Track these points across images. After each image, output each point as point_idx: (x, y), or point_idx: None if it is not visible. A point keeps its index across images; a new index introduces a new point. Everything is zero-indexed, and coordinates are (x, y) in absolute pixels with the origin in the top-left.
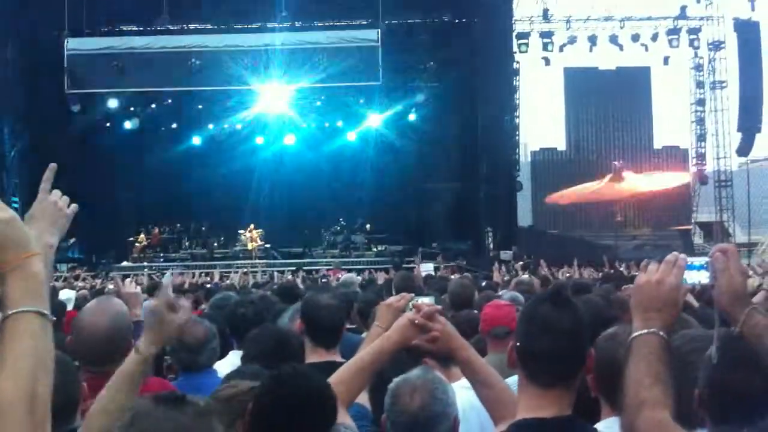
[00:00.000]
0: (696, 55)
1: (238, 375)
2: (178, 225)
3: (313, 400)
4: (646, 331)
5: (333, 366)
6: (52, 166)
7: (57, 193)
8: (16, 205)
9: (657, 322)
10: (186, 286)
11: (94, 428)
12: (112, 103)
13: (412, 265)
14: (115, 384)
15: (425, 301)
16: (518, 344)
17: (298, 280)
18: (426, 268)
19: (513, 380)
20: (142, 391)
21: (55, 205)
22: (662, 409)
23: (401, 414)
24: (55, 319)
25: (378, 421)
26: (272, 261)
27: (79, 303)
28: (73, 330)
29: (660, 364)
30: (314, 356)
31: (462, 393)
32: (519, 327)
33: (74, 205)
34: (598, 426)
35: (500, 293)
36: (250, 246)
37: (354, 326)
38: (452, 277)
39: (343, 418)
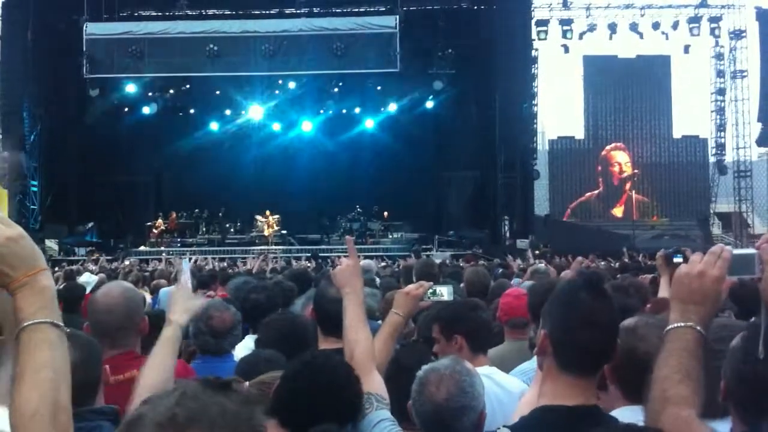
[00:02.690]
0: (717, 43)
1: (254, 358)
2: (196, 210)
3: (338, 386)
4: (682, 324)
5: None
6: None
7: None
8: (35, 188)
9: (695, 315)
10: (204, 271)
11: (146, 385)
12: (131, 88)
13: (428, 253)
14: (161, 350)
15: (443, 289)
16: (554, 334)
17: (310, 267)
18: (441, 256)
19: (524, 367)
20: None
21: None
22: (688, 406)
23: (426, 403)
24: (69, 330)
25: (394, 408)
26: (288, 247)
27: (98, 287)
28: (89, 313)
29: (691, 360)
30: (326, 344)
31: None
32: (554, 315)
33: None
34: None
35: (513, 282)
36: (266, 232)
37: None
38: (466, 265)
39: (378, 388)
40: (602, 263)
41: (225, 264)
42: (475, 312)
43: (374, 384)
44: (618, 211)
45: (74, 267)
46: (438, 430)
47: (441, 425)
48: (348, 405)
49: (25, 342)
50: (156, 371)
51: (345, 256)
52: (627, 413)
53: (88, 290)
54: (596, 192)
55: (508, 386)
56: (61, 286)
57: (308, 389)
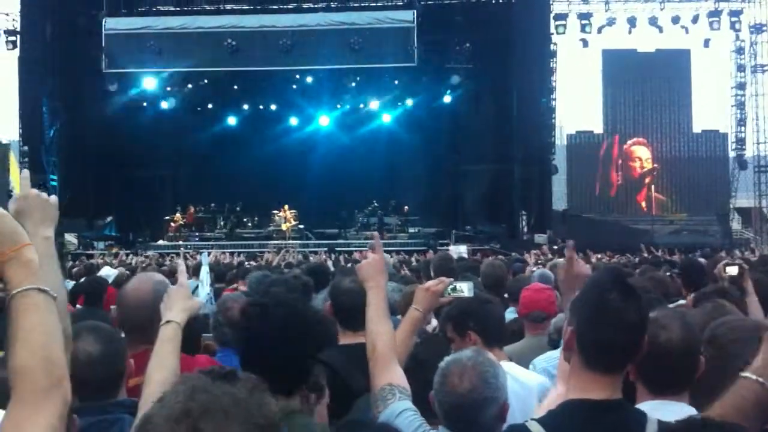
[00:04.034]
0: (737, 37)
1: None
2: (212, 205)
3: (297, 320)
4: (753, 377)
5: (362, 347)
6: (26, 173)
7: (35, 190)
8: (54, 183)
9: None
10: (222, 265)
11: (155, 383)
12: (149, 83)
13: (445, 248)
14: (163, 349)
15: (464, 285)
16: (581, 332)
17: (329, 261)
18: (459, 250)
19: (549, 354)
20: (192, 367)
21: (39, 197)
22: None
23: (449, 395)
24: (56, 296)
25: (415, 401)
26: (306, 241)
27: (118, 280)
28: (118, 305)
29: (741, 414)
30: (344, 338)
31: None
32: (582, 314)
33: (54, 196)
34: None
35: (530, 272)
36: (284, 226)
37: None
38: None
39: (400, 380)
40: (622, 259)
41: (242, 258)
42: (485, 306)
43: (396, 376)
44: (641, 204)
45: (94, 261)
46: (461, 422)
47: (464, 417)
48: (306, 343)
49: (15, 308)
50: (162, 370)
51: (363, 250)
52: (647, 408)
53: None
54: (615, 185)
55: (526, 381)
56: (83, 280)
57: (262, 333)
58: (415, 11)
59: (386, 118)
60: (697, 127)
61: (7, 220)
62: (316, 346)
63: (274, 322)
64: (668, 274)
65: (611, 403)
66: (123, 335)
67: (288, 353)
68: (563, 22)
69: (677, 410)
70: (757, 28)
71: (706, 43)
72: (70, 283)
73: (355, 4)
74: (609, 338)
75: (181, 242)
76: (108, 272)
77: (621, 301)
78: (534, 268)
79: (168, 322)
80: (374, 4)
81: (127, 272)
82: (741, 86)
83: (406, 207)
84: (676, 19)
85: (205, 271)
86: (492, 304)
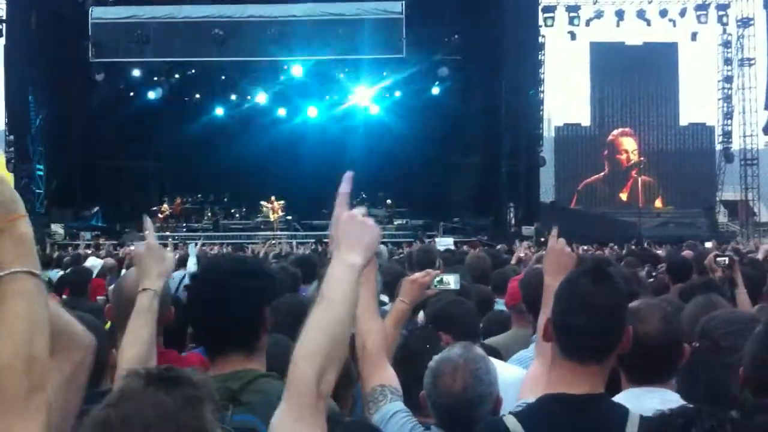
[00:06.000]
0: (724, 31)
1: None
2: (199, 195)
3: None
4: None
5: (352, 339)
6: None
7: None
8: (40, 173)
9: None
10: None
11: (126, 357)
12: (136, 73)
13: (431, 240)
14: (136, 322)
15: (450, 277)
16: (555, 320)
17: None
18: (445, 243)
19: (521, 355)
20: (182, 365)
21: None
22: None
23: (443, 395)
24: (48, 279)
25: (404, 394)
26: (293, 233)
27: (105, 271)
28: (112, 298)
29: None
30: None
31: None
32: (556, 301)
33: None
34: (617, 398)
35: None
36: (271, 217)
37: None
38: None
39: (391, 380)
40: (607, 250)
41: (230, 249)
42: (448, 306)
43: (387, 376)
44: (623, 196)
45: (80, 251)
46: (456, 420)
47: (459, 416)
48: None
49: (2, 292)
50: (134, 345)
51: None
52: (631, 396)
53: (94, 274)
54: (602, 174)
55: (505, 374)
56: (68, 271)
57: (199, 300)
58: (403, 2)
59: (374, 110)
60: (684, 120)
61: (5, 187)
62: (257, 303)
63: (208, 287)
64: (653, 274)
65: (590, 398)
66: (109, 327)
67: (226, 314)
68: (551, 15)
69: (661, 397)
70: (744, 22)
71: (694, 36)
72: (59, 272)
73: None
74: (579, 323)
75: (168, 233)
76: (94, 263)
77: (592, 287)
78: (521, 254)
79: (144, 290)
80: None
81: (114, 263)
82: (728, 80)
83: (389, 200)
84: (663, 13)
85: (192, 262)
86: (456, 302)
